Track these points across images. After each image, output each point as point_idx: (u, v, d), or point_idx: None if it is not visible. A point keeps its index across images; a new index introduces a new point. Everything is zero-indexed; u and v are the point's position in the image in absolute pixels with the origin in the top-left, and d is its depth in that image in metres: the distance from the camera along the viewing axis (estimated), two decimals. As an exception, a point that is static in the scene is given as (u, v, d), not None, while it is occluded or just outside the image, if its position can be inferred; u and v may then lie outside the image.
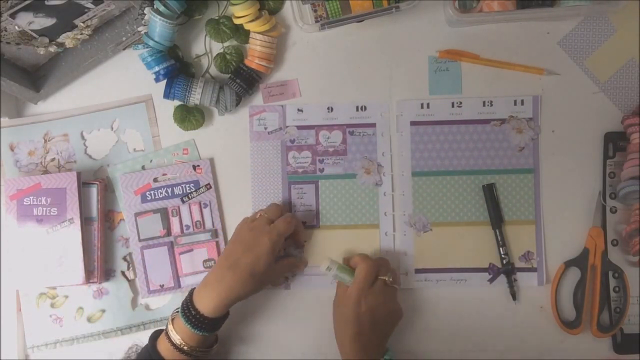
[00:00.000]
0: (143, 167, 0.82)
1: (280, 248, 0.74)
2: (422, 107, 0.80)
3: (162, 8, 0.73)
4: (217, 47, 0.82)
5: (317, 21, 0.78)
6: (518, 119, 0.80)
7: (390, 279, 0.73)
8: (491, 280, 0.79)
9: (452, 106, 0.80)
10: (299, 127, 0.81)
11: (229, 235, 0.81)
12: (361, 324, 0.70)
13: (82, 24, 0.75)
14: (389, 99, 0.81)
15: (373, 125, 0.80)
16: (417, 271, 0.80)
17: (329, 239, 0.80)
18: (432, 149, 0.80)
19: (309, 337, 0.80)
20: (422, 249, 0.80)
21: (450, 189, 0.80)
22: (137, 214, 0.80)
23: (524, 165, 0.80)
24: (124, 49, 0.81)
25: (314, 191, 0.81)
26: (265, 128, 0.81)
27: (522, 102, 0.80)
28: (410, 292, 0.80)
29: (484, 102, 0.80)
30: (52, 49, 0.76)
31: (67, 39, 0.76)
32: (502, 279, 0.79)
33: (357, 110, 0.81)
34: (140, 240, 0.81)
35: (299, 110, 0.81)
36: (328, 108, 0.81)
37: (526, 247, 0.79)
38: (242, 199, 0.81)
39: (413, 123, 0.80)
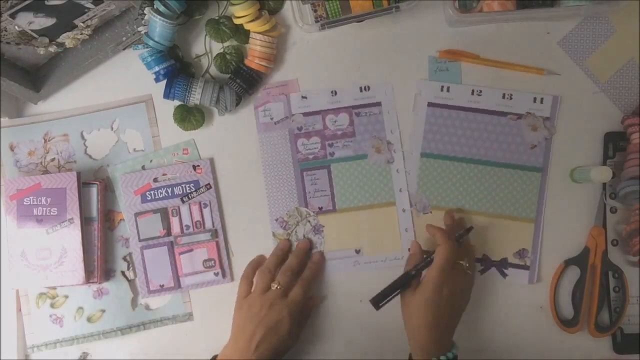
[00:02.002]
0: (143, 167, 0.82)
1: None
2: (442, 89, 0.80)
3: (162, 8, 0.73)
4: (217, 47, 0.82)
5: (317, 21, 0.78)
6: (535, 117, 0.80)
7: (467, 265, 0.71)
8: (482, 272, 0.79)
9: (472, 93, 0.80)
10: (305, 114, 0.81)
11: (229, 236, 0.81)
12: (441, 310, 0.68)
13: (82, 24, 0.75)
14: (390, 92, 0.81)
15: (378, 104, 0.81)
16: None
17: (346, 221, 0.80)
18: (445, 132, 0.80)
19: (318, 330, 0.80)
20: (419, 231, 0.80)
21: (457, 175, 0.80)
22: (137, 214, 0.80)
23: (533, 163, 0.80)
24: (124, 49, 0.81)
25: (326, 176, 0.81)
26: (272, 118, 0.81)
27: (542, 101, 0.80)
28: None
29: (503, 95, 0.80)
30: (52, 49, 0.76)
31: (67, 39, 0.76)
32: (493, 271, 0.79)
33: (361, 90, 0.81)
34: (140, 240, 0.81)
35: (303, 97, 0.81)
36: (332, 92, 0.81)
37: (522, 245, 0.79)
38: (242, 199, 0.81)
39: (430, 104, 0.80)
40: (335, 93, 0.81)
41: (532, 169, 0.80)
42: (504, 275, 0.79)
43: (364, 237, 0.80)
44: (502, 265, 0.79)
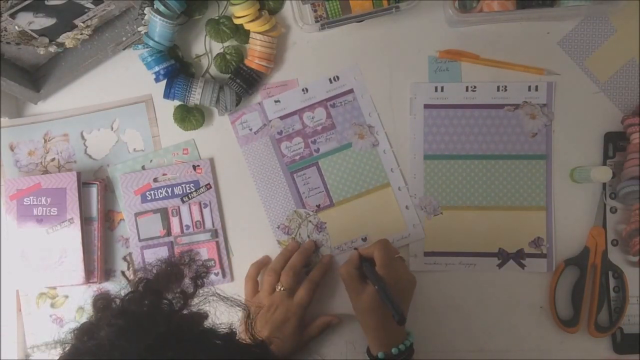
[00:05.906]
0: (143, 167, 0.82)
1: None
2: (436, 90, 0.80)
3: (162, 8, 0.73)
4: (217, 47, 0.82)
5: (317, 21, 0.78)
6: (532, 105, 0.80)
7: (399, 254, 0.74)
8: (500, 266, 0.79)
9: (467, 90, 0.80)
10: (282, 117, 0.81)
11: (229, 236, 0.81)
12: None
13: (82, 24, 0.75)
14: (369, 74, 0.81)
15: (350, 91, 0.81)
16: (427, 254, 0.80)
17: (346, 213, 0.81)
18: (445, 132, 0.80)
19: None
20: (432, 232, 0.80)
21: (462, 173, 0.80)
22: (137, 214, 0.80)
23: (536, 151, 0.80)
24: (124, 49, 0.81)
25: (317, 173, 0.81)
26: (250, 129, 0.81)
27: (537, 88, 0.80)
28: (419, 275, 0.78)
29: (498, 87, 0.80)
30: (52, 49, 0.76)
31: (67, 39, 0.76)
32: (511, 264, 0.79)
33: (331, 82, 0.81)
34: (140, 240, 0.81)
35: (276, 102, 0.81)
36: (303, 90, 0.81)
37: (536, 233, 0.79)
38: (242, 198, 0.81)
39: (427, 106, 0.80)
40: (307, 90, 0.81)
41: (536, 157, 0.80)
42: (522, 266, 0.79)
43: (368, 224, 0.81)
44: (519, 256, 0.79)
